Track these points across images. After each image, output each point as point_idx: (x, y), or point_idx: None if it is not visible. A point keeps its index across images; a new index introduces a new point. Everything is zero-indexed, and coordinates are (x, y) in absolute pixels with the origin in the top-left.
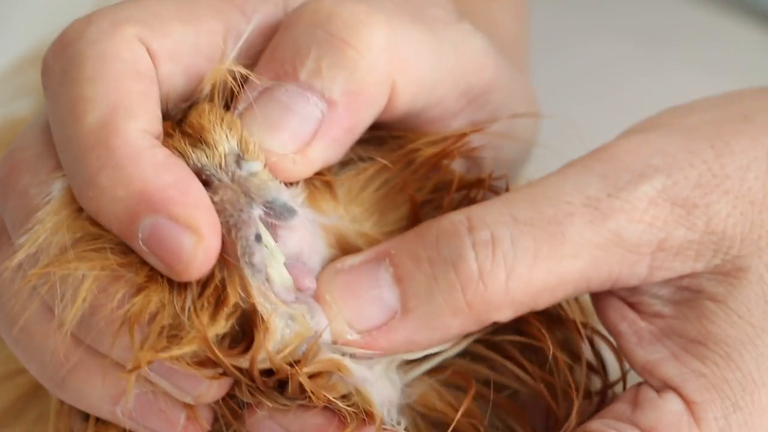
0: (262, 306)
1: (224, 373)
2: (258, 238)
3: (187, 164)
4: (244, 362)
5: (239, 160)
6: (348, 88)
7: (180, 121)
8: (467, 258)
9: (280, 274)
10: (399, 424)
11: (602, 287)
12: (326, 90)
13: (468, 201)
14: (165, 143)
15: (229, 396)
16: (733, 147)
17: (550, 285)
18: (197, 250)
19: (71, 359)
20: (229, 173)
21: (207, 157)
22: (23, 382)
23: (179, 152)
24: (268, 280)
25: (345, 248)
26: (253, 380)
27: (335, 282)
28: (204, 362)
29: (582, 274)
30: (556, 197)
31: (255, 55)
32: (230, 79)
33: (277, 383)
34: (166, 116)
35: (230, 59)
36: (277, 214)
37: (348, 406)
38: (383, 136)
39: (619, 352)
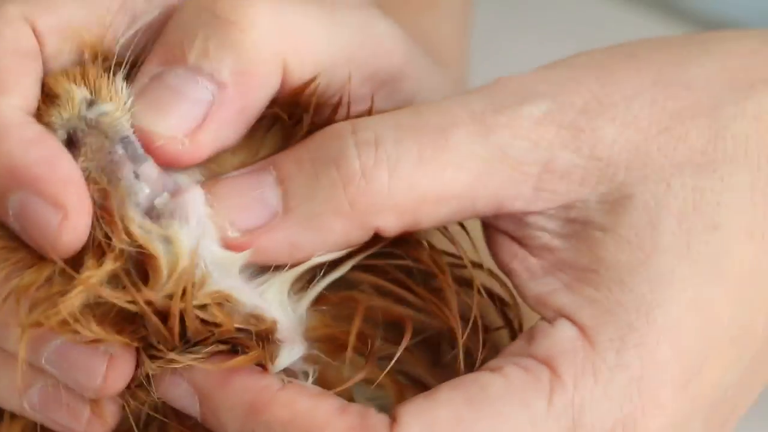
0: (146, 239)
1: (136, 336)
2: (136, 175)
3: (51, 124)
4: (140, 296)
5: (91, 103)
6: (236, 68)
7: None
8: (349, 155)
9: (145, 195)
10: (302, 351)
11: (488, 208)
12: (215, 72)
13: None
14: (35, 116)
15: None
16: (618, 77)
17: (434, 193)
18: (63, 228)
19: None
20: (84, 119)
21: (65, 111)
22: None
23: (43, 119)
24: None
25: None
26: (167, 329)
27: (218, 184)
28: (110, 328)
29: (466, 189)
30: (442, 109)
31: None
32: (102, 46)
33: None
34: None
35: (120, 33)
36: (132, 156)
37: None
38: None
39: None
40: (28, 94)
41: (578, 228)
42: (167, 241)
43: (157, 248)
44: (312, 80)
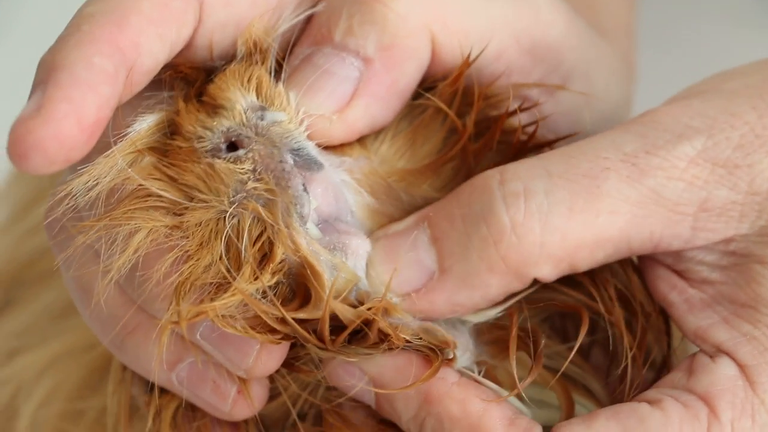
0: (313, 256)
1: (285, 336)
2: (305, 188)
3: (212, 135)
4: (304, 314)
5: (262, 111)
6: (381, 42)
7: (199, 95)
8: (498, 210)
9: (311, 230)
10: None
11: (644, 249)
12: (360, 48)
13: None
14: (175, 120)
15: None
16: None
17: (588, 241)
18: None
19: (130, 323)
20: (253, 127)
21: (227, 119)
22: (98, 355)
23: (200, 127)
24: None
25: (377, 188)
26: (320, 337)
27: (376, 248)
28: (260, 327)
29: (622, 233)
30: (593, 153)
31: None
32: (265, 39)
33: (344, 339)
34: (210, 68)
35: (276, 19)
36: (305, 164)
37: (424, 346)
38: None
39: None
40: (141, 44)
41: (738, 260)
42: (335, 268)
43: (324, 269)
44: (467, 62)
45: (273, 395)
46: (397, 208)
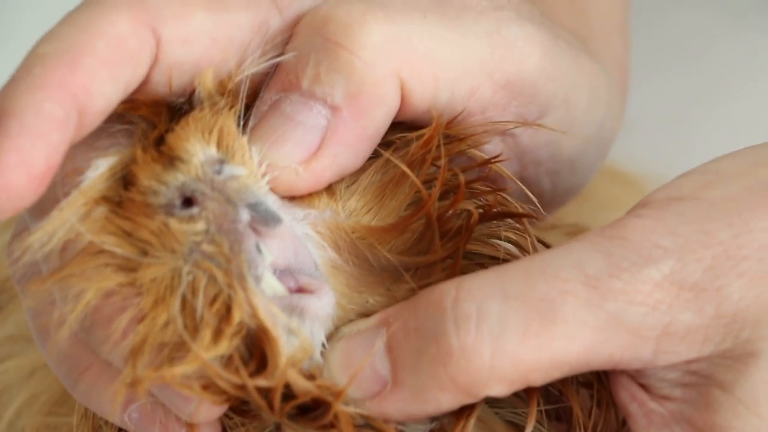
0: (270, 321)
1: (230, 399)
2: (258, 248)
3: (166, 190)
4: (260, 382)
5: (220, 164)
6: (348, 91)
7: (160, 139)
8: (448, 332)
9: (270, 284)
10: None
11: (603, 368)
12: (328, 96)
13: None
14: (132, 169)
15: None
16: (753, 225)
17: (542, 365)
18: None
19: (82, 363)
20: (209, 182)
21: (182, 174)
22: None
23: (155, 181)
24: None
25: (340, 244)
26: (269, 404)
27: (334, 350)
28: (214, 387)
29: (579, 356)
30: (553, 273)
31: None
32: (224, 83)
33: (295, 412)
34: (171, 106)
35: (253, 56)
36: (262, 219)
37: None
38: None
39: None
40: (93, 87)
41: (699, 381)
42: (291, 332)
43: (280, 335)
44: (437, 126)
45: None
46: (360, 267)
